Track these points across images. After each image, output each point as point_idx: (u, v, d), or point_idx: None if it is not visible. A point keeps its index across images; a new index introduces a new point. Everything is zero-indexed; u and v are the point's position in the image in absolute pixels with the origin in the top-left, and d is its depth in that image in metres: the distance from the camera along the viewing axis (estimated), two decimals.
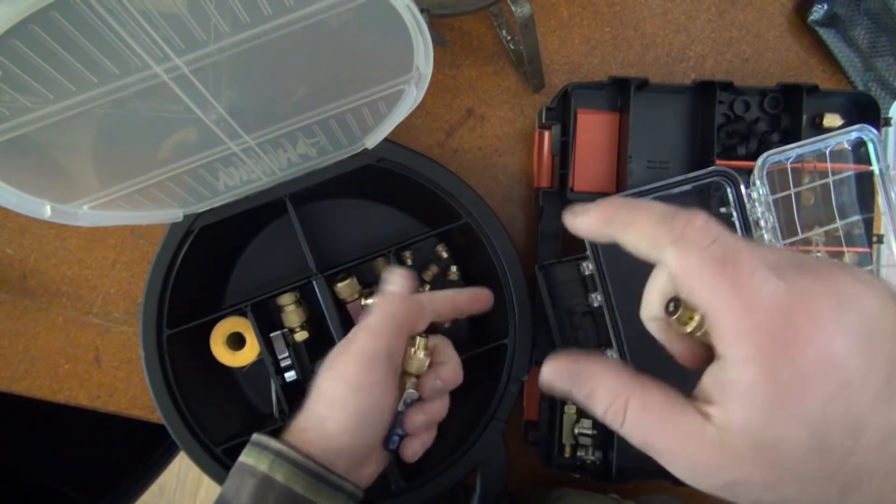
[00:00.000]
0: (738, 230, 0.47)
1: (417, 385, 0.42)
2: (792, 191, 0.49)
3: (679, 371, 0.50)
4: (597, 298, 0.48)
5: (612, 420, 0.26)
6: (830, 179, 0.50)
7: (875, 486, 0.23)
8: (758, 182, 0.46)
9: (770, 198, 0.47)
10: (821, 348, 0.22)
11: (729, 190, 0.47)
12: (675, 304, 0.26)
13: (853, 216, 0.51)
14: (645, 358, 0.48)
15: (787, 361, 0.22)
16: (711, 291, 0.23)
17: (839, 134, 0.48)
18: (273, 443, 0.38)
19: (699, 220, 0.25)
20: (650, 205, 0.26)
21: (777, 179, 0.49)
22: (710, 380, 0.24)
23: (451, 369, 0.43)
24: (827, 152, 0.49)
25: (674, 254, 0.25)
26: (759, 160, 0.47)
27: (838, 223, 0.51)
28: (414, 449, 0.43)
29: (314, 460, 0.38)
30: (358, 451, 0.39)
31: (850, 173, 0.50)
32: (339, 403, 0.39)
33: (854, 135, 0.48)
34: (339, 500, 0.38)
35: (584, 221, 0.29)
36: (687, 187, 0.48)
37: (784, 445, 0.22)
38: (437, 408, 0.43)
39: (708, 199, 0.51)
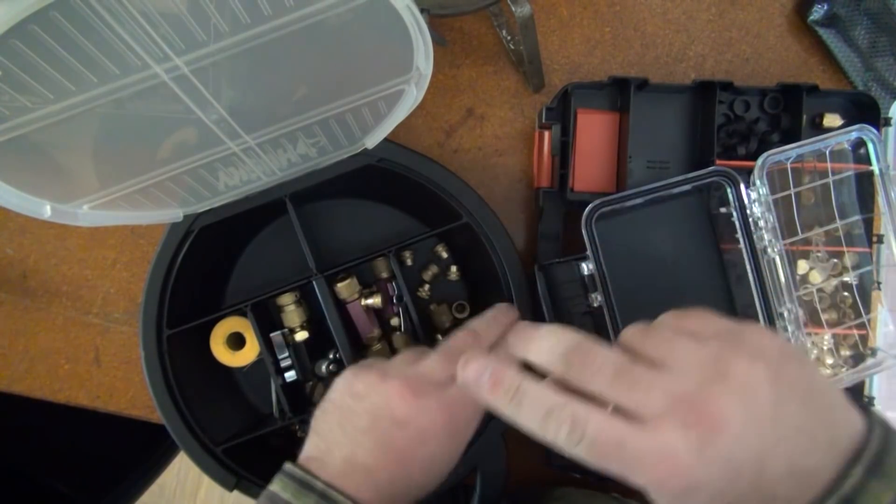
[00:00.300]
0: (738, 230, 0.47)
1: None
2: (792, 191, 0.49)
3: None
4: (597, 298, 0.48)
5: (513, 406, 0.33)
6: (830, 179, 0.50)
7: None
8: (758, 182, 0.46)
9: (770, 198, 0.47)
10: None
11: (729, 190, 0.47)
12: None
13: (853, 216, 0.51)
14: None
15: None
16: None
17: (839, 134, 0.48)
18: (318, 484, 0.35)
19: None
20: None
21: (777, 179, 0.49)
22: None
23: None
24: (827, 152, 0.49)
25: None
26: (759, 160, 0.47)
27: (838, 223, 0.51)
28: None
29: None
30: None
31: (850, 173, 0.50)
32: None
33: (854, 135, 0.48)
34: None
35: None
36: (687, 187, 0.48)
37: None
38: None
39: (707, 199, 0.51)
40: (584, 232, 0.47)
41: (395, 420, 0.37)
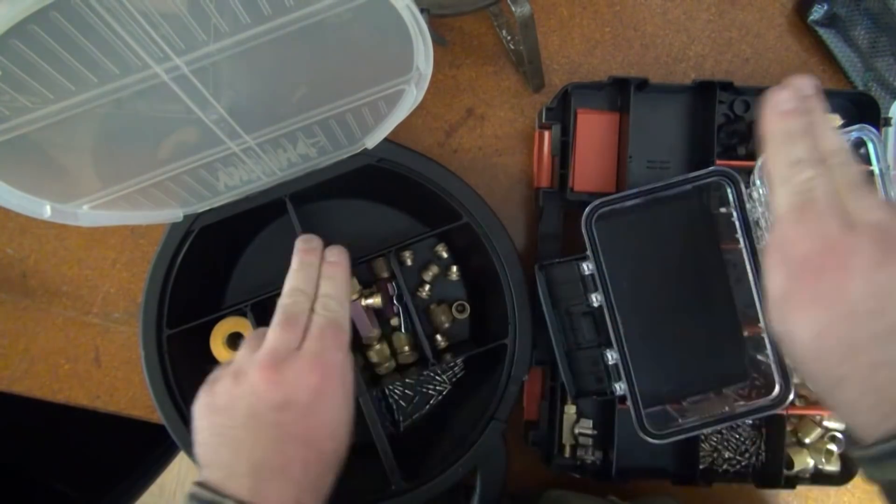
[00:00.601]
0: (738, 230, 0.47)
1: None
2: None
3: (676, 367, 0.50)
4: (597, 298, 0.48)
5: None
6: None
7: (856, 389, 0.30)
8: (758, 182, 0.46)
9: (770, 197, 0.47)
10: (838, 283, 0.30)
11: (729, 190, 0.47)
12: None
13: None
14: (645, 358, 0.48)
15: (808, 285, 0.31)
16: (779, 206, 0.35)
17: (840, 133, 0.48)
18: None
19: None
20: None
21: None
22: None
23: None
24: None
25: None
26: (760, 160, 0.47)
27: None
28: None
29: None
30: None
31: None
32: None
33: (854, 135, 0.48)
34: None
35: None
36: (687, 187, 0.48)
37: (792, 337, 0.32)
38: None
39: (708, 199, 0.51)
40: (583, 232, 0.47)
41: (274, 406, 0.36)
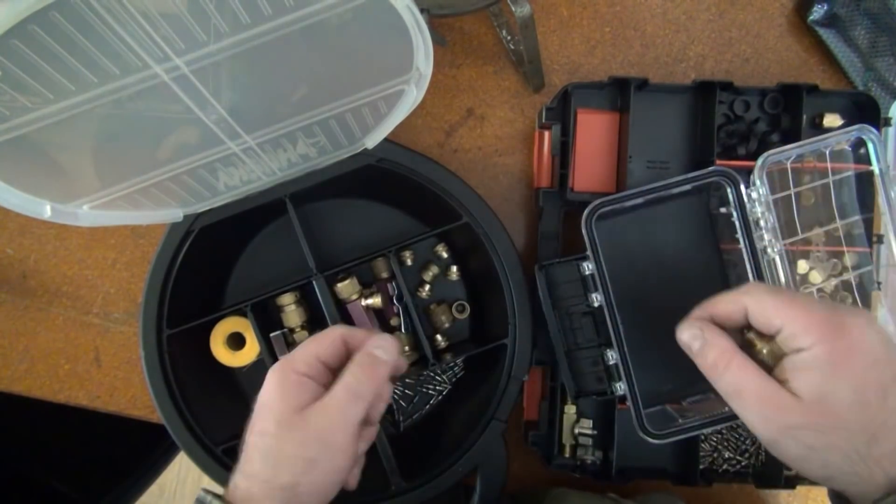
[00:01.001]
0: (738, 230, 0.47)
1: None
2: (792, 191, 0.49)
3: (676, 367, 0.50)
4: (597, 298, 0.48)
5: (715, 369, 0.37)
6: (830, 179, 0.50)
7: (892, 439, 0.33)
8: (758, 182, 0.46)
9: (770, 198, 0.47)
10: (859, 336, 0.34)
11: (729, 190, 0.47)
12: (748, 329, 0.39)
13: (853, 216, 0.51)
14: (645, 358, 0.48)
15: (839, 343, 0.34)
16: (780, 308, 0.36)
17: (839, 134, 0.48)
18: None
19: (752, 283, 0.44)
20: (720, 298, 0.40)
21: (777, 179, 0.49)
22: (787, 366, 0.36)
23: (390, 388, 0.43)
24: (827, 152, 0.49)
25: (748, 298, 0.38)
26: (760, 160, 0.47)
27: (838, 223, 0.51)
28: (356, 476, 0.43)
29: None
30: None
31: (850, 173, 0.50)
32: (320, 470, 0.37)
33: (854, 135, 0.48)
34: None
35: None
36: (687, 187, 0.48)
37: (835, 398, 0.34)
38: (375, 430, 0.44)
39: (707, 200, 0.51)
40: (584, 232, 0.47)
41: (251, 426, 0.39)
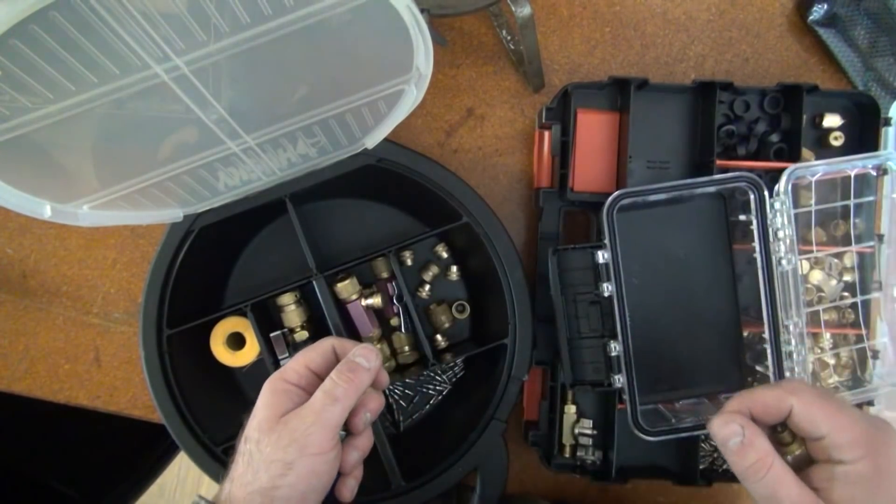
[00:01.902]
0: (756, 238, 0.47)
1: (347, 423, 0.42)
2: (813, 207, 0.49)
3: (674, 368, 0.50)
4: (607, 288, 0.47)
5: (754, 472, 0.36)
6: (852, 202, 0.50)
7: None
8: (782, 195, 0.46)
9: (793, 211, 0.46)
10: None
11: (752, 196, 0.47)
12: (783, 427, 0.38)
13: (869, 240, 0.51)
14: (645, 354, 0.48)
15: (881, 460, 0.34)
16: (828, 416, 0.35)
17: (866, 157, 0.48)
18: None
19: (796, 381, 0.43)
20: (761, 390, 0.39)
21: (799, 193, 0.49)
22: (822, 475, 0.36)
23: (377, 400, 0.44)
24: (852, 174, 0.49)
25: (796, 399, 0.36)
26: (785, 174, 0.46)
27: (853, 247, 0.51)
28: (350, 488, 0.43)
29: None
30: None
31: (871, 198, 0.50)
32: (296, 473, 0.38)
33: (881, 159, 0.48)
34: None
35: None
36: (711, 189, 0.48)
37: None
38: (367, 440, 0.44)
39: (726, 205, 0.51)
40: (604, 220, 0.46)
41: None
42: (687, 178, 0.48)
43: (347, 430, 0.43)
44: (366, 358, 0.42)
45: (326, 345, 0.43)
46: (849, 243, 0.51)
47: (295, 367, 0.42)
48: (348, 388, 0.40)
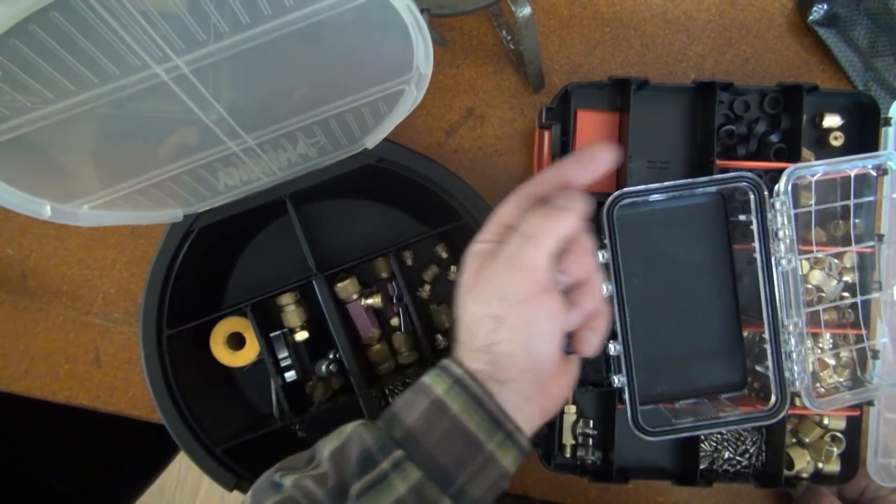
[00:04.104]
0: (756, 239, 0.47)
1: (572, 343, 0.39)
2: (813, 207, 0.49)
3: (674, 368, 0.50)
4: (607, 288, 0.47)
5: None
6: (852, 202, 0.50)
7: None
8: (783, 195, 0.46)
9: (793, 211, 0.46)
10: None
11: (752, 196, 0.47)
12: None
13: (869, 241, 0.51)
14: (645, 355, 0.48)
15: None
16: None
17: (866, 157, 0.48)
18: (454, 367, 0.36)
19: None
20: None
21: (799, 193, 0.49)
22: None
23: (586, 244, 0.38)
24: (852, 174, 0.49)
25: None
26: (785, 174, 0.46)
27: (853, 247, 0.50)
28: (589, 341, 0.39)
29: (494, 399, 0.35)
30: (540, 371, 0.36)
31: (871, 198, 0.50)
32: (508, 326, 0.35)
33: (881, 160, 0.48)
34: (510, 453, 0.36)
35: None
36: (712, 189, 0.48)
37: None
38: (596, 286, 0.39)
39: (726, 205, 0.50)
40: (604, 219, 0.46)
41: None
42: (687, 178, 0.48)
43: (572, 351, 0.39)
44: (567, 197, 0.36)
45: (520, 193, 0.37)
46: (849, 243, 0.51)
47: (489, 226, 0.37)
48: (542, 224, 0.35)
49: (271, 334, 0.53)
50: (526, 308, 0.35)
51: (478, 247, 0.37)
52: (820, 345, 0.52)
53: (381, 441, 0.35)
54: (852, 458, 0.53)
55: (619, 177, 0.53)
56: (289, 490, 0.34)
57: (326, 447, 0.37)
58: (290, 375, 0.53)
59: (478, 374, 0.36)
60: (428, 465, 0.34)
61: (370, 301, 0.54)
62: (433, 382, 0.36)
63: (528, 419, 0.38)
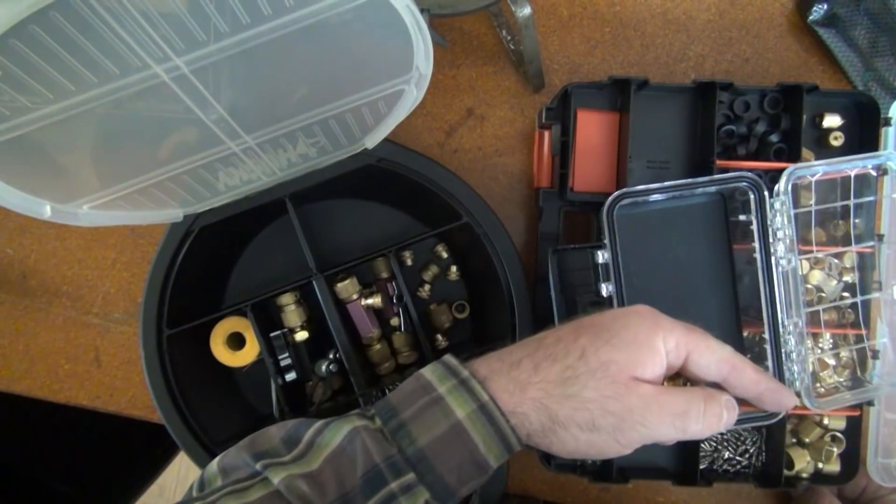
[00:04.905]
0: (756, 239, 0.47)
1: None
2: (813, 207, 0.49)
3: None
4: (607, 289, 0.47)
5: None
6: (852, 202, 0.50)
7: None
8: (782, 195, 0.46)
9: (793, 211, 0.46)
10: None
11: (752, 196, 0.47)
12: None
13: (869, 241, 0.51)
14: None
15: None
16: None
17: (866, 157, 0.48)
18: (477, 388, 0.35)
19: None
20: None
21: (799, 193, 0.49)
22: None
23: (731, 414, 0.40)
24: (852, 174, 0.48)
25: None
26: (785, 173, 0.46)
27: (853, 247, 0.50)
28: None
29: (516, 432, 0.35)
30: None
31: (871, 198, 0.50)
32: (597, 423, 0.35)
33: (881, 159, 0.47)
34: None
35: None
36: (712, 189, 0.48)
37: None
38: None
39: (726, 205, 0.51)
40: (604, 220, 0.46)
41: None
42: (687, 178, 0.48)
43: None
44: (729, 417, 0.38)
45: (727, 359, 0.39)
46: (849, 243, 0.51)
47: (695, 353, 0.38)
48: (698, 430, 0.37)
49: (271, 334, 0.53)
50: (621, 434, 0.36)
51: (660, 345, 0.37)
52: (820, 345, 0.52)
53: (391, 459, 0.34)
54: (852, 458, 0.53)
55: (619, 177, 0.53)
56: (282, 491, 0.34)
57: (319, 442, 0.36)
58: (290, 375, 0.53)
59: (514, 416, 0.35)
60: (436, 487, 0.35)
61: (370, 301, 0.54)
62: (451, 399, 0.35)
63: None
